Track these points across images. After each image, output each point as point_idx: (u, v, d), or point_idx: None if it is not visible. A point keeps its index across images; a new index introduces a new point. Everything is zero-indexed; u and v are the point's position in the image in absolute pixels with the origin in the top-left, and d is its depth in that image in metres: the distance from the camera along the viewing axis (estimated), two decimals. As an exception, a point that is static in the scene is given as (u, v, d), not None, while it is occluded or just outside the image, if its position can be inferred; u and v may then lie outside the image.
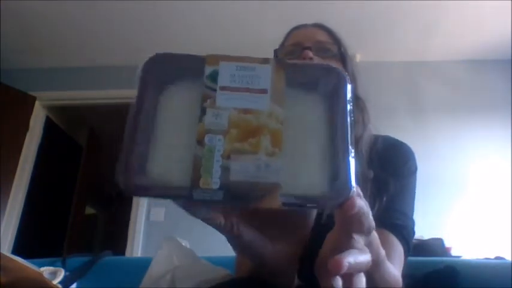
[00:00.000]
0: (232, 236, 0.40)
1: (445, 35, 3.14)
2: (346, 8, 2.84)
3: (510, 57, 3.26)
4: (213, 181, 0.32)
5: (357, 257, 0.35)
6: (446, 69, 3.32)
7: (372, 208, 0.68)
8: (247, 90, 0.35)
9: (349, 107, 0.36)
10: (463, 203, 2.83)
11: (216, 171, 0.33)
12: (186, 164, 0.33)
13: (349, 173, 0.34)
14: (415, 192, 0.79)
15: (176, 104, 0.36)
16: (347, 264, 0.33)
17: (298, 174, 0.34)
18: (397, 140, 0.85)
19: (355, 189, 0.34)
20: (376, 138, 0.83)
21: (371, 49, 3.23)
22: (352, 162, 0.34)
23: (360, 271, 0.36)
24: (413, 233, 0.74)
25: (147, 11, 2.95)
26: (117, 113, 3.90)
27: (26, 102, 3.33)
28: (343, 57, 0.84)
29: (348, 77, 0.37)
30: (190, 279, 0.81)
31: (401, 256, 0.67)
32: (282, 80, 0.36)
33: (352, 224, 0.36)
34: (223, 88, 0.35)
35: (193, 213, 0.36)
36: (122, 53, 3.40)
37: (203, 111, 0.34)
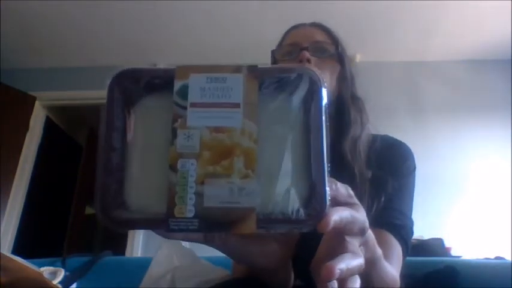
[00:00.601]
0: (216, 246, 0.39)
1: (445, 35, 3.14)
2: (346, 8, 2.84)
3: (510, 57, 3.26)
4: (187, 209, 0.32)
5: (350, 262, 0.35)
6: (446, 69, 3.32)
7: (370, 208, 0.69)
8: (219, 105, 0.34)
9: (324, 115, 0.35)
10: (463, 203, 2.83)
11: (191, 198, 0.32)
12: (162, 191, 0.32)
13: (325, 192, 0.33)
14: (413, 192, 0.78)
15: (147, 126, 0.35)
16: (338, 271, 0.33)
17: (272, 196, 0.33)
18: (395, 140, 0.84)
19: (328, 206, 0.33)
20: (375, 137, 0.82)
21: (371, 49, 3.23)
22: (327, 178, 0.34)
23: (352, 275, 0.36)
24: (412, 232, 0.73)
25: (147, 11, 2.95)
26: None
27: (26, 102, 3.33)
28: (340, 57, 0.83)
29: (322, 81, 0.36)
30: (190, 279, 0.81)
31: (400, 256, 0.67)
32: (255, 90, 0.35)
33: (342, 230, 0.37)
34: (193, 105, 0.34)
35: (172, 238, 0.36)
36: (122, 53, 3.40)
37: (174, 133, 0.33)
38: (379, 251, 0.48)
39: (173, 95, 0.34)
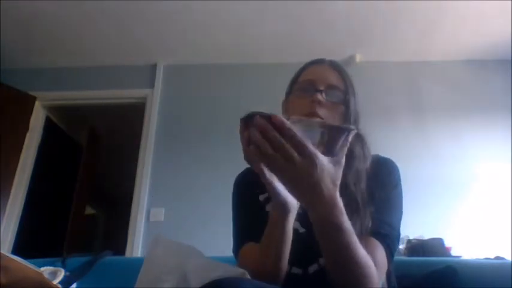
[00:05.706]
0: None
1: (445, 35, 3.14)
2: (346, 7, 2.84)
3: (510, 57, 3.26)
4: None
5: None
6: (446, 69, 3.32)
7: (364, 215, 0.79)
8: None
9: None
10: (463, 203, 2.82)
11: None
12: None
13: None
14: (401, 204, 0.86)
15: None
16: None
17: None
18: (382, 157, 0.93)
19: None
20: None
21: (371, 49, 3.22)
22: None
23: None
24: (398, 242, 0.83)
25: (148, 11, 2.95)
26: (117, 113, 3.91)
27: (26, 102, 3.33)
28: (347, 103, 0.90)
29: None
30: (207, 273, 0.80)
31: (384, 260, 0.76)
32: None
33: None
34: None
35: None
36: (121, 53, 3.40)
37: None
38: (347, 223, 0.61)
39: None
